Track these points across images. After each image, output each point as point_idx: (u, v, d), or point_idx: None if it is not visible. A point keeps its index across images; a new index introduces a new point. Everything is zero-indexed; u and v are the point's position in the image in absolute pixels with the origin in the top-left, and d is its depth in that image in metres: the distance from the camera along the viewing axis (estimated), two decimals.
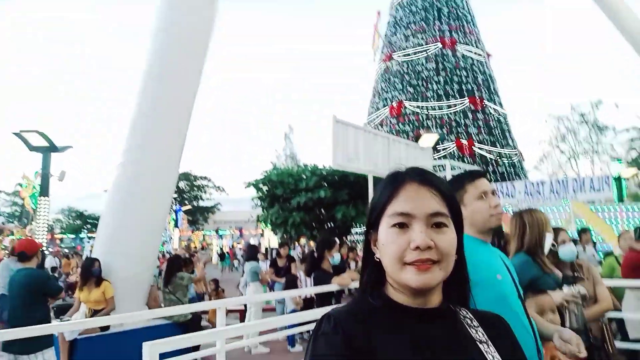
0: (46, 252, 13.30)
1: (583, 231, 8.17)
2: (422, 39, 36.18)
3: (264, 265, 10.00)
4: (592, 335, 3.00)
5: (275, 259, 9.16)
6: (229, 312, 7.43)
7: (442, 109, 33.58)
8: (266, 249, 23.95)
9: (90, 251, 6.75)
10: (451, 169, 11.22)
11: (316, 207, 18.04)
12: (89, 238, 33.50)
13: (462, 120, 33.13)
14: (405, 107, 34.46)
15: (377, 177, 8.25)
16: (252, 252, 8.83)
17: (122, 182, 5.82)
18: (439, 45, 35.39)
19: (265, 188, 19.41)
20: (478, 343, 0.88)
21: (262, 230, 32.27)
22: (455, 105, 33.49)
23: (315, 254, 6.01)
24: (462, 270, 0.94)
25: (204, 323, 6.60)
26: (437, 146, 13.27)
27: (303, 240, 21.99)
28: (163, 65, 6.03)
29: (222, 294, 9.45)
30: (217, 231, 44.01)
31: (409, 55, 36.24)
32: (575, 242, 6.03)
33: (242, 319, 8.39)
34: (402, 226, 0.87)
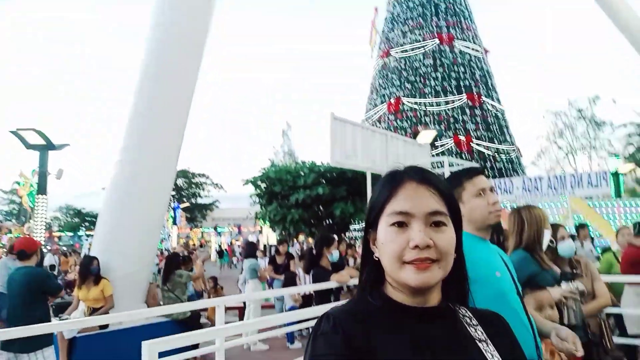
0: (45, 250, 13.28)
1: (581, 227, 8.20)
2: (420, 35, 36.16)
3: (263, 263, 10.01)
4: (591, 331, 3.02)
5: (274, 256, 9.17)
6: (227, 309, 7.44)
7: (439, 105, 33.59)
8: (265, 246, 23.97)
9: (89, 249, 6.74)
10: (449, 166, 11.21)
11: (314, 204, 18.02)
12: (87, 236, 33.45)
13: (460, 117, 33.16)
14: (403, 104, 34.46)
15: (375, 173, 8.26)
16: (250, 249, 8.84)
17: (120, 179, 5.81)
18: (437, 41, 35.36)
19: (263, 185, 19.39)
20: (477, 342, 0.88)
21: (261, 227, 32.25)
22: (453, 101, 33.51)
23: (314, 251, 6.01)
24: (461, 268, 0.94)
25: (203, 320, 6.62)
26: (435, 142, 13.27)
27: (301, 237, 22.00)
28: (160, 63, 6.01)
29: (221, 292, 9.46)
30: (215, 228, 44.07)
31: (406, 51, 36.22)
32: (573, 237, 6.05)
33: (241, 316, 8.40)
34: (401, 225, 0.87)
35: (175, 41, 6.08)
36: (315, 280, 5.71)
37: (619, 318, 4.93)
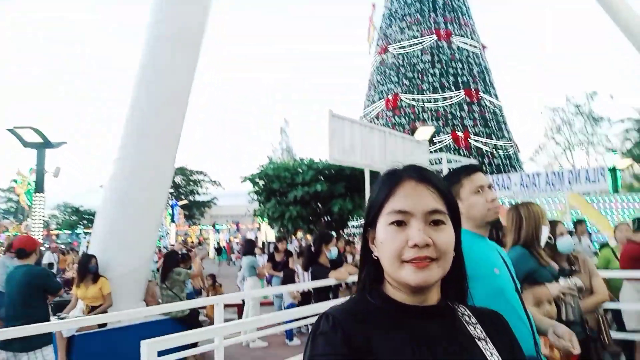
0: (43, 248, 13.27)
1: (578, 222, 8.23)
2: (418, 31, 36.08)
3: (262, 260, 10.02)
4: (589, 326, 3.03)
5: (273, 253, 9.18)
6: (226, 306, 7.44)
7: (437, 102, 33.57)
8: (263, 243, 24.00)
9: (87, 247, 6.72)
10: (447, 162, 11.22)
11: (313, 200, 18.04)
12: (85, 234, 33.45)
13: (458, 113, 33.14)
14: (401, 100, 34.43)
15: (373, 170, 8.26)
16: (249, 247, 8.85)
17: (118, 177, 5.80)
18: (434, 37, 35.31)
19: (261, 182, 19.38)
20: (477, 340, 0.88)
21: (259, 225, 32.26)
22: (450, 97, 33.49)
23: (313, 249, 6.01)
24: (461, 267, 0.94)
25: (202, 318, 6.61)
26: (433, 139, 13.27)
27: (300, 234, 22.01)
28: (158, 61, 6.01)
29: (220, 289, 9.45)
30: (214, 225, 44.08)
31: (404, 47, 36.15)
32: (570, 233, 6.07)
33: (240, 314, 8.41)
34: (400, 224, 0.87)
35: (172, 38, 6.06)
36: (314, 277, 5.72)
37: (616, 313, 4.95)
